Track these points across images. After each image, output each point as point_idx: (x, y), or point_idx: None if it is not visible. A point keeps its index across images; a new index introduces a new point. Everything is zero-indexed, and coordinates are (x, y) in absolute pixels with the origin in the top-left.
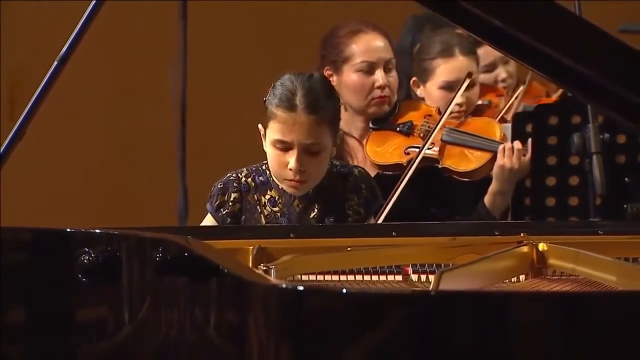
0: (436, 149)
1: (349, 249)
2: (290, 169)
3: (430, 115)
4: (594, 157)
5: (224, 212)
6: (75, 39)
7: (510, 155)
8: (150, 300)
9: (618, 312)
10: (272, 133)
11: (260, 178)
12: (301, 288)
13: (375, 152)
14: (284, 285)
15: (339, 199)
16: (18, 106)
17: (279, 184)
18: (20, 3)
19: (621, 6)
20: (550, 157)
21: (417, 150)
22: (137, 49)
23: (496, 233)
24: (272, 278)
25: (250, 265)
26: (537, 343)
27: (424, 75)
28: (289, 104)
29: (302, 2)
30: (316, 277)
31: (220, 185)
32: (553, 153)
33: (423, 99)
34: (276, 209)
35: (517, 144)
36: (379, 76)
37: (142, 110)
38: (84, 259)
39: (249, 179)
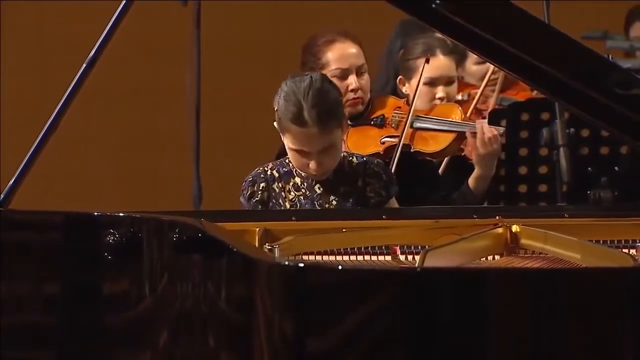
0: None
1: (344, 230)
2: (312, 169)
3: (399, 107)
4: (561, 149)
5: (254, 201)
6: (103, 42)
7: (485, 143)
8: (168, 276)
9: (583, 285)
10: (288, 142)
11: (284, 169)
12: (302, 265)
13: (355, 145)
14: (286, 262)
15: (359, 183)
16: (19, 104)
17: (301, 172)
18: (21, 3)
19: (587, 6)
20: (522, 149)
21: (391, 139)
22: (156, 50)
23: (474, 216)
24: (276, 256)
25: (257, 245)
26: (511, 311)
27: (409, 73)
28: (299, 121)
29: (310, 3)
30: (315, 255)
31: (250, 179)
32: (524, 145)
33: (408, 95)
34: (299, 193)
35: (491, 131)
36: (352, 81)
37: (161, 110)
38: (109, 239)
39: (274, 171)
